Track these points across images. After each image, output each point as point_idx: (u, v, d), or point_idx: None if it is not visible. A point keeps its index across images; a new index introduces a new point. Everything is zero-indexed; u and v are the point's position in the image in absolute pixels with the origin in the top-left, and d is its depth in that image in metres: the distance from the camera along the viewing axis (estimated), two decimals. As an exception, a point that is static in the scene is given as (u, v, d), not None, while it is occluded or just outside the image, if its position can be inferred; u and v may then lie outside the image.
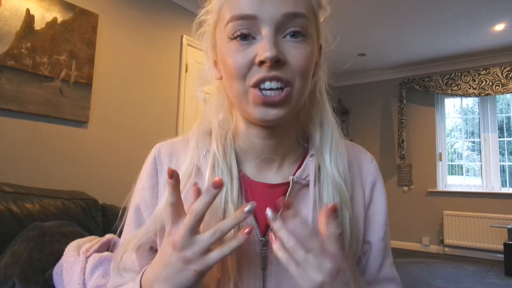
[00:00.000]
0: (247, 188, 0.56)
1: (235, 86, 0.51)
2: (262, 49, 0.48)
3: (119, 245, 0.60)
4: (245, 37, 0.50)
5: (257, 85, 0.49)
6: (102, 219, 1.79)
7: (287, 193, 0.55)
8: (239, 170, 0.57)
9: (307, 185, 0.56)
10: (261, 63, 0.48)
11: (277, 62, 0.48)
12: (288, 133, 0.58)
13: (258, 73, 0.49)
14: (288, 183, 0.56)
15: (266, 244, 0.54)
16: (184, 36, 3.23)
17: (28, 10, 2.20)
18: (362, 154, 0.65)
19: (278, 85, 0.49)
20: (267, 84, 0.49)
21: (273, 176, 0.58)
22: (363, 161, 0.64)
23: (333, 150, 0.58)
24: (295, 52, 0.50)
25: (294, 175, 0.56)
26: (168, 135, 0.68)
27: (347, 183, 0.57)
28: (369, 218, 0.61)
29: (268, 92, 0.49)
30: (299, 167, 0.57)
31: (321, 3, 0.56)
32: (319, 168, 0.57)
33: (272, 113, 0.50)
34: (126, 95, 2.78)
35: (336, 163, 0.57)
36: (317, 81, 0.60)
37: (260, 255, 0.53)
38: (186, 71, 3.22)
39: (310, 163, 0.57)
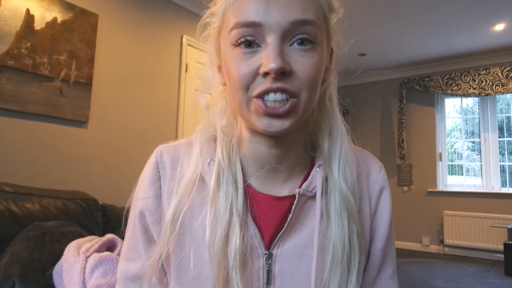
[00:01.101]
0: (252, 199, 0.54)
1: (237, 96, 0.49)
2: (267, 59, 0.45)
3: (123, 254, 0.59)
4: (250, 45, 0.47)
5: (261, 96, 0.47)
6: (102, 219, 1.80)
7: (293, 206, 0.53)
8: (244, 180, 0.54)
9: (314, 196, 0.54)
10: (266, 74, 0.46)
11: (283, 73, 0.46)
12: (295, 142, 0.56)
13: (262, 84, 0.47)
14: (294, 195, 0.54)
15: (270, 257, 0.53)
16: (184, 36, 3.23)
17: (28, 10, 2.20)
18: (370, 162, 0.62)
19: (283, 96, 0.47)
20: (271, 96, 0.47)
21: (279, 187, 0.56)
22: (372, 170, 0.61)
23: (341, 161, 0.55)
24: (302, 62, 0.47)
25: (300, 187, 0.54)
26: (168, 134, 0.67)
27: (355, 195, 0.55)
28: (372, 228, 0.59)
29: (272, 104, 0.47)
30: (305, 179, 0.55)
31: (332, 6, 0.53)
32: (326, 179, 0.55)
33: (277, 124, 0.47)
34: (126, 95, 2.78)
35: (345, 175, 0.54)
36: (327, 87, 0.58)
37: (264, 269, 0.52)
38: (186, 71, 3.22)
39: (317, 174, 0.55)
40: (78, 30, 2.44)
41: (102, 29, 2.60)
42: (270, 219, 0.53)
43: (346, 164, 0.55)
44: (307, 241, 0.53)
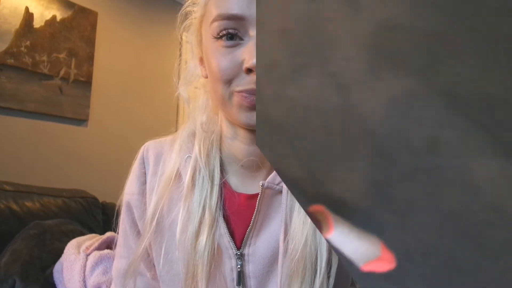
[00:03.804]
0: (227, 198, 0.52)
1: (219, 90, 0.47)
2: (249, 54, 0.43)
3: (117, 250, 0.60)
4: (232, 37, 0.45)
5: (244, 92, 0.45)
6: (103, 217, 1.80)
7: (257, 201, 0.50)
8: (222, 177, 0.52)
9: (281, 191, 0.51)
10: (249, 70, 0.44)
11: None
12: None
13: (245, 82, 0.44)
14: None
15: (241, 257, 0.50)
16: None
17: (27, 8, 2.19)
18: None
19: None
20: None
21: (256, 186, 0.52)
22: None
23: None
24: None
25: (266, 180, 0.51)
26: (169, 133, 0.67)
27: None
28: None
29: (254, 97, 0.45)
30: None
31: None
32: None
33: None
34: (126, 93, 2.78)
35: None
36: None
37: (236, 270, 0.50)
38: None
39: None
40: (78, 28, 2.43)
41: (102, 27, 2.60)
42: (241, 218, 0.51)
43: None
44: (278, 239, 0.50)
